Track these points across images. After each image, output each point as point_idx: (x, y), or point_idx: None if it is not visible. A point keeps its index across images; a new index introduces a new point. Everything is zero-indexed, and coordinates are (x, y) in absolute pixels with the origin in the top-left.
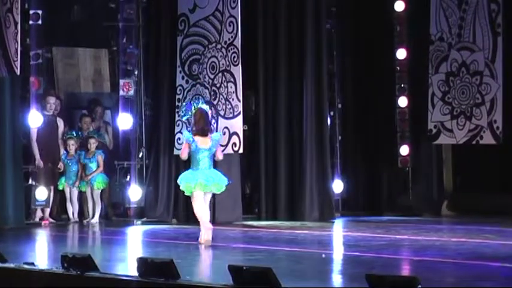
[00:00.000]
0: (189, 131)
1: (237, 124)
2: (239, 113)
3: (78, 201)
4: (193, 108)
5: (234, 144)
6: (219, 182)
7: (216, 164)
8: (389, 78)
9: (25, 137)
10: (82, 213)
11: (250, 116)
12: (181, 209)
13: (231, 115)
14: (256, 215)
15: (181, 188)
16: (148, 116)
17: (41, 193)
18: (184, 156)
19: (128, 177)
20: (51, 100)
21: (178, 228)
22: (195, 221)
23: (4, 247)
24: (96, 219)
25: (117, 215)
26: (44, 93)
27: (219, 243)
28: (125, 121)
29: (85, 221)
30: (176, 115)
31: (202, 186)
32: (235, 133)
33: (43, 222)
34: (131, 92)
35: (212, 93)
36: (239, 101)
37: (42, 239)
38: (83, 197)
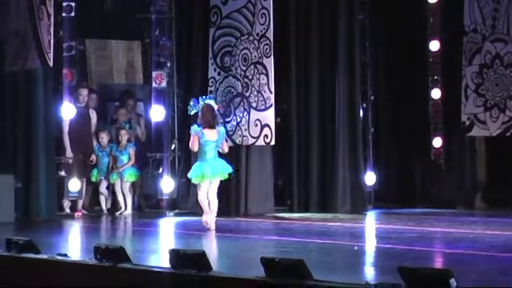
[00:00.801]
0: (197, 125)
1: (269, 116)
2: (271, 105)
3: (111, 193)
4: (200, 103)
5: (266, 136)
6: (224, 170)
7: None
8: (422, 69)
9: (58, 128)
10: (115, 205)
11: (282, 108)
12: None
13: (263, 107)
14: (288, 207)
15: (192, 181)
16: (180, 108)
17: (74, 185)
18: (195, 148)
19: (160, 169)
20: (84, 92)
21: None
22: (227, 213)
23: (37, 238)
24: (128, 211)
25: (149, 206)
26: (76, 85)
27: (251, 235)
28: (157, 113)
29: (117, 213)
30: None
31: (209, 175)
32: (267, 125)
33: (76, 214)
34: (164, 84)
35: (244, 85)
36: (271, 93)
37: (75, 230)
38: (115, 189)
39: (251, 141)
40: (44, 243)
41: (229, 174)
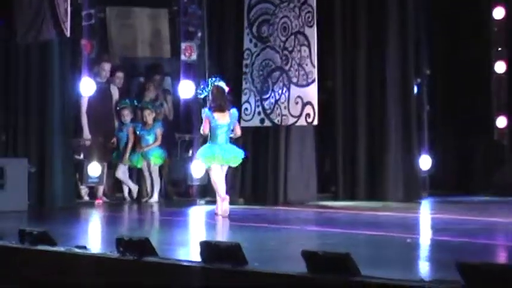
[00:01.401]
0: (208, 109)
1: (311, 93)
2: (313, 80)
3: (135, 178)
4: (210, 85)
5: (308, 115)
6: (236, 155)
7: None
8: (484, 40)
9: (75, 107)
10: (139, 191)
11: (326, 84)
12: (249, 188)
13: (304, 82)
14: (332, 194)
15: (201, 161)
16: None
17: (94, 169)
18: (206, 132)
19: (190, 151)
20: (107, 67)
21: (246, 208)
22: (264, 201)
23: (54, 229)
24: (155, 198)
25: (178, 193)
26: (97, 58)
27: (291, 225)
28: (186, 89)
29: (142, 200)
30: (243, 82)
31: (220, 159)
32: (309, 103)
33: (96, 202)
34: (193, 57)
35: (283, 57)
36: (314, 67)
37: (95, 220)
38: (140, 174)
39: (291, 120)
40: (60, 234)
41: (241, 160)
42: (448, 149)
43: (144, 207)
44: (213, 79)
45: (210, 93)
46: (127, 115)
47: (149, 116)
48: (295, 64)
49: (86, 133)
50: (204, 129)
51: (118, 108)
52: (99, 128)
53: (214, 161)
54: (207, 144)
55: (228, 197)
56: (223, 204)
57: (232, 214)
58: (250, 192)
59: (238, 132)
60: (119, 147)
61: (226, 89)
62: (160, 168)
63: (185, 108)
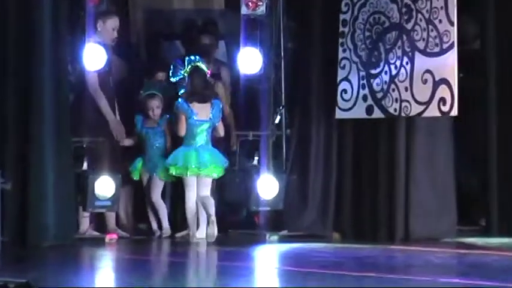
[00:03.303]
0: (183, 100)
1: (448, 65)
2: (451, 46)
3: (169, 200)
4: (186, 66)
5: (442, 100)
6: (217, 163)
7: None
8: None
9: (76, 88)
10: (174, 221)
11: (467, 52)
12: (348, 217)
13: (436, 49)
14: (481, 227)
15: (170, 172)
16: (290, 52)
17: (104, 186)
18: (182, 132)
19: (256, 158)
20: (113, 23)
21: (344, 248)
22: (372, 237)
23: (40, 280)
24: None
25: (235, 224)
26: (105, 13)
27: (417, 275)
28: (250, 60)
29: (178, 235)
30: (340, 49)
31: (195, 169)
32: (445, 81)
33: (107, 237)
34: (261, 10)
35: (403, 10)
36: (451, 25)
37: (105, 267)
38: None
39: (416, 109)
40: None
41: (223, 170)
42: None
43: (183, 246)
44: (191, 58)
45: (186, 77)
46: (157, 107)
47: (157, 107)
48: (422, 20)
49: (113, 122)
50: (180, 128)
51: (140, 95)
52: (106, 122)
53: (186, 172)
54: (180, 149)
55: (214, 220)
56: (208, 228)
57: (323, 257)
58: (350, 223)
59: (221, 131)
60: (144, 152)
61: (208, 71)
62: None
63: (247, 91)
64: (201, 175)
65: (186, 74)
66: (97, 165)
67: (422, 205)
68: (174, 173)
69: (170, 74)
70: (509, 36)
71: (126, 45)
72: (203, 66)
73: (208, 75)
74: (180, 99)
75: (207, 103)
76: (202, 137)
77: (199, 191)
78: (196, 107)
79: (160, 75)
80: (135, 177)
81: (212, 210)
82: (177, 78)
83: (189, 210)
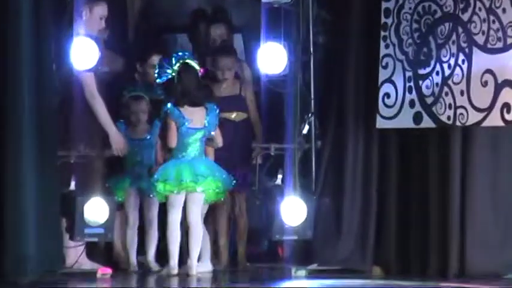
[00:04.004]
0: (173, 104)
1: None
2: None
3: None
4: (175, 64)
5: (506, 106)
6: (215, 176)
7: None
8: None
9: (63, 92)
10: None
11: None
12: (390, 249)
13: (499, 44)
14: None
15: (157, 189)
16: (321, 48)
17: (96, 210)
18: (174, 142)
19: (279, 176)
20: (100, 11)
21: (387, 285)
22: (419, 272)
23: None
24: (207, 265)
25: (254, 256)
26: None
27: None
28: (272, 58)
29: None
30: (382, 44)
31: (187, 185)
32: (509, 83)
33: (99, 271)
34: None
35: None
36: None
37: None
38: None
39: (474, 117)
40: None
41: (224, 189)
42: None
43: (187, 283)
44: (180, 54)
45: (175, 77)
46: (144, 111)
47: (144, 112)
48: (482, 9)
49: (114, 135)
50: (171, 139)
51: (124, 95)
52: (99, 132)
53: (177, 188)
54: (170, 161)
55: (192, 250)
56: (175, 260)
57: None
58: (394, 255)
59: (219, 140)
60: (129, 166)
61: (200, 70)
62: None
63: (269, 94)
64: (198, 191)
65: (174, 74)
66: (87, 184)
67: (481, 234)
68: (162, 190)
69: (156, 75)
70: None
71: (122, 39)
72: (194, 63)
73: (200, 74)
74: (169, 104)
75: (200, 107)
76: (195, 148)
77: (188, 214)
78: (188, 111)
79: (155, 60)
80: (120, 199)
81: (196, 246)
82: (164, 79)
83: (172, 237)
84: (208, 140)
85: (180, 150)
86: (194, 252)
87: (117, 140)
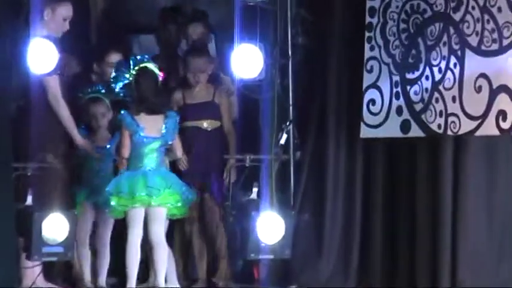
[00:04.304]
0: (127, 112)
1: (509, 68)
2: None
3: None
4: (132, 68)
5: (502, 114)
6: (174, 188)
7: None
8: None
9: (22, 97)
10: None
11: None
12: (377, 264)
13: (494, 46)
14: None
15: (111, 204)
16: (301, 50)
17: (55, 227)
18: (125, 152)
19: (254, 190)
20: (64, 11)
21: None
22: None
23: None
24: (174, 284)
25: (230, 276)
26: None
27: None
28: (247, 61)
29: None
30: (366, 47)
31: (142, 198)
32: (505, 89)
33: None
34: None
35: None
36: None
37: None
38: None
39: (467, 126)
40: None
41: (185, 202)
42: None
43: None
44: (138, 57)
45: (132, 81)
46: (103, 115)
47: (103, 116)
48: (476, 8)
49: (80, 142)
50: (124, 149)
51: (83, 98)
52: (58, 140)
53: (131, 203)
54: (124, 175)
55: (158, 271)
56: (131, 282)
57: None
58: (380, 275)
59: (179, 151)
60: (91, 180)
61: (160, 74)
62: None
63: (244, 101)
64: (153, 206)
65: (131, 78)
66: (46, 198)
67: (474, 251)
68: (115, 204)
69: (111, 79)
70: None
71: (84, 40)
72: (154, 67)
73: (160, 79)
74: (122, 111)
75: (159, 115)
76: (152, 159)
77: (149, 232)
78: (144, 120)
79: (114, 58)
80: (76, 212)
81: (162, 267)
82: (121, 85)
83: (129, 258)
84: (168, 151)
85: (136, 161)
86: (161, 273)
87: (85, 147)
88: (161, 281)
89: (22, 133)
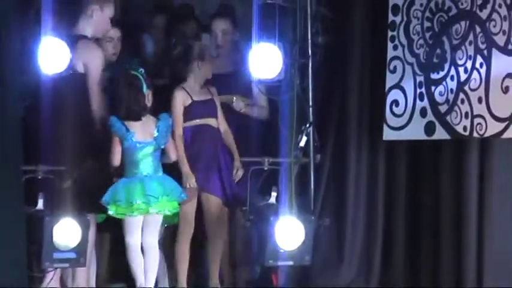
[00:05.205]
0: (117, 117)
1: None
2: None
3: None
4: (116, 72)
5: None
6: (172, 194)
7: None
8: None
9: (31, 97)
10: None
11: None
12: (400, 269)
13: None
14: None
15: (109, 213)
16: (322, 50)
17: (67, 233)
18: (115, 160)
19: (273, 194)
20: (111, 11)
21: None
22: None
23: None
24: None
25: (244, 284)
26: None
27: None
28: (265, 61)
29: None
30: (389, 46)
31: (141, 207)
32: None
33: None
34: None
35: None
36: None
37: None
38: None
39: (494, 128)
40: None
41: (178, 204)
42: None
43: None
44: (127, 63)
45: (117, 88)
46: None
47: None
48: (503, 5)
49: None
50: (112, 155)
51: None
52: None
53: (131, 211)
54: (119, 182)
55: (148, 279)
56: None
57: None
58: (403, 280)
59: (173, 153)
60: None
61: (146, 80)
62: None
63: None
64: (151, 213)
65: (115, 84)
66: (57, 203)
67: (500, 254)
68: (114, 214)
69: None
70: None
71: None
72: (138, 71)
73: (144, 84)
74: (111, 116)
75: (148, 118)
76: (147, 164)
77: (143, 236)
78: (134, 124)
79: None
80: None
81: (152, 271)
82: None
83: (133, 259)
84: (163, 154)
85: (131, 168)
86: (150, 278)
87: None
88: (150, 284)
89: (33, 134)
